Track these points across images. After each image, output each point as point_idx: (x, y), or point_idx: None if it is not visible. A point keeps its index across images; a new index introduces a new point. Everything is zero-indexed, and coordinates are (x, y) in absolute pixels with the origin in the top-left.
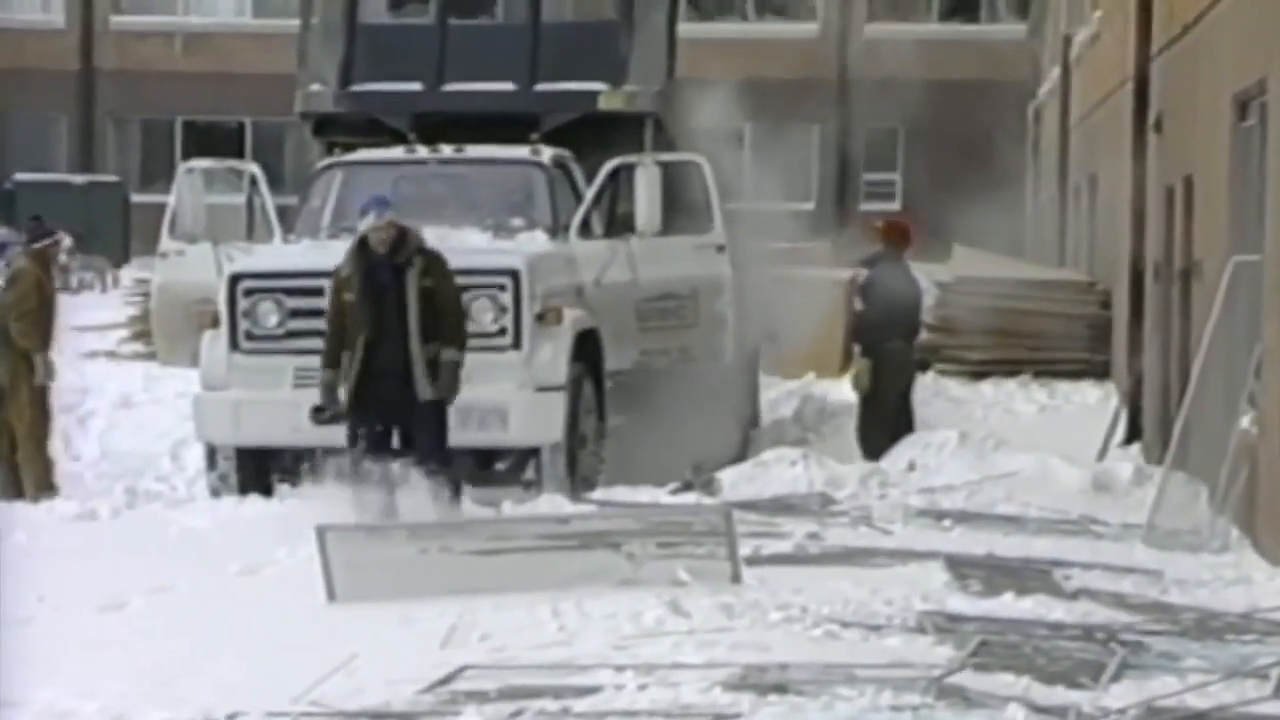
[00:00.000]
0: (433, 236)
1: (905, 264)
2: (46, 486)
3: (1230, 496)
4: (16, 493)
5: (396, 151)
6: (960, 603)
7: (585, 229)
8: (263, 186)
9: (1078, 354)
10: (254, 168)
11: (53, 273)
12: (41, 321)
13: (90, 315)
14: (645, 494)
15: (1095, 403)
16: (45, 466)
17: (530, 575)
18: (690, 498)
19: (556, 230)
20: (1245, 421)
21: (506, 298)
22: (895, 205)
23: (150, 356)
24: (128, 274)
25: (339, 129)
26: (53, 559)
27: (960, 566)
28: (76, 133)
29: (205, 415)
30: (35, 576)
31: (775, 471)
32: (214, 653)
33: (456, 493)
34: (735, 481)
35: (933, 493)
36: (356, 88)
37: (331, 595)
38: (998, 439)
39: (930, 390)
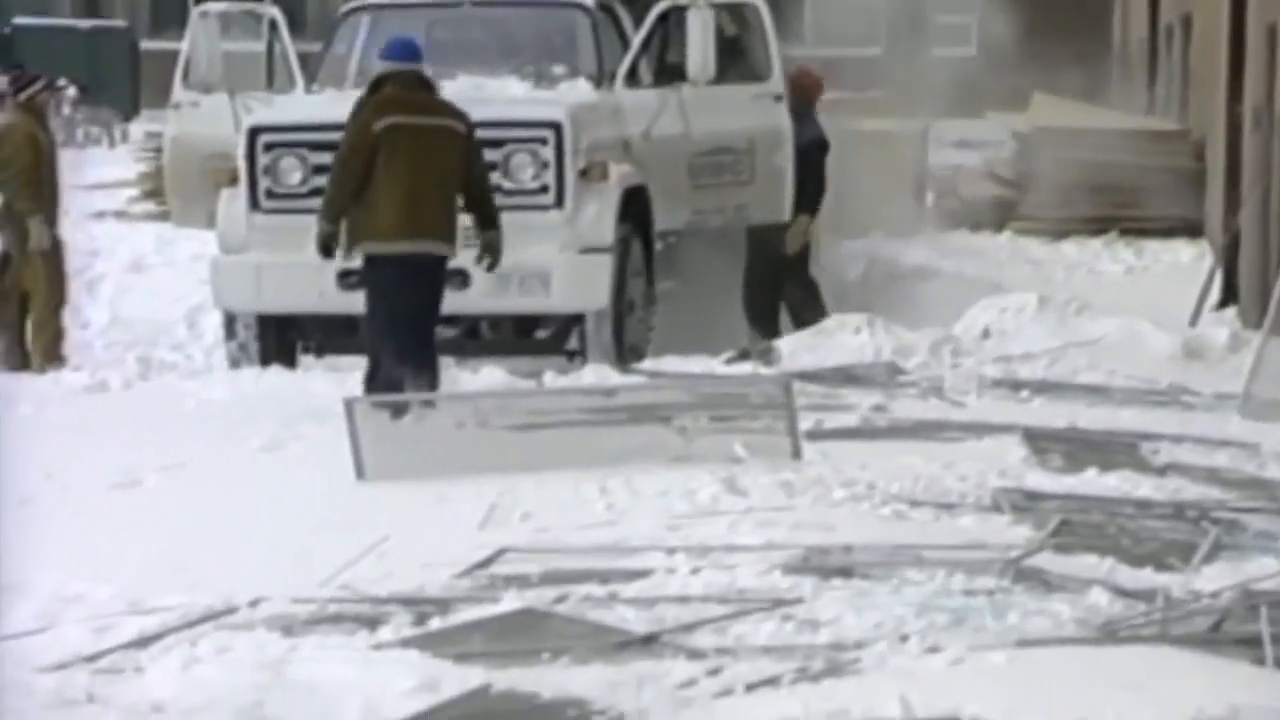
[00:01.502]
0: (468, 85)
1: (817, 119)
2: (55, 357)
3: None
4: (21, 363)
5: None
6: (1039, 479)
7: (632, 77)
8: (283, 31)
9: (1168, 210)
10: (274, 11)
11: (49, 124)
12: (35, 181)
13: (98, 172)
14: (698, 364)
15: (1188, 262)
16: (56, 335)
17: (574, 451)
18: (746, 368)
19: (601, 79)
20: None
21: (547, 152)
22: (970, 50)
23: (163, 216)
24: (138, 128)
25: None
26: (61, 434)
27: (1039, 440)
28: None
29: (223, 280)
30: (42, 452)
31: (838, 339)
32: (235, 534)
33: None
34: (795, 350)
35: (1009, 361)
36: None
37: (360, 473)
38: (1080, 303)
39: (1007, 251)
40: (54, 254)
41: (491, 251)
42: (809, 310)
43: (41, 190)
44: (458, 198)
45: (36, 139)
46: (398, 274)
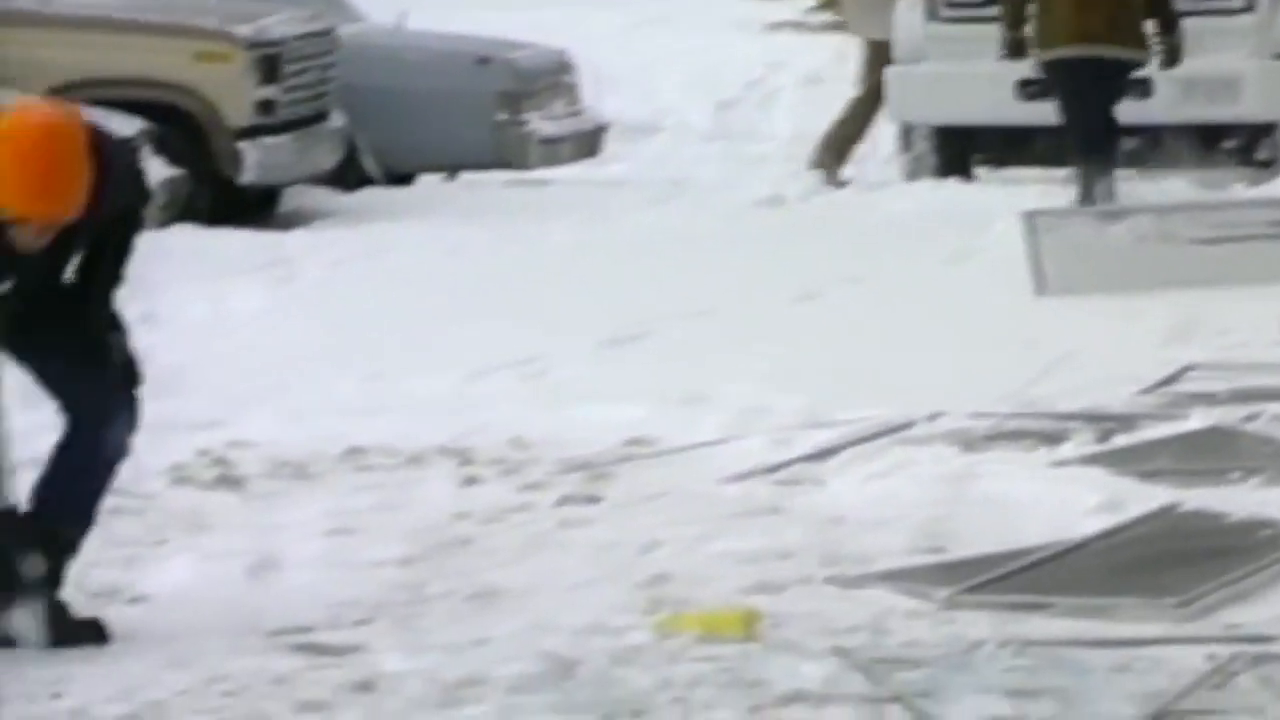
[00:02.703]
0: None
1: None
2: (839, 162)
3: None
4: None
5: None
6: None
7: None
8: None
9: None
10: None
11: None
12: None
13: None
14: None
15: None
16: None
17: (1263, 266)
18: None
19: None
20: None
21: None
22: None
23: (839, 27)
24: None
25: None
26: (737, 246)
27: None
28: None
29: (900, 91)
30: (718, 265)
31: None
32: (913, 347)
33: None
34: None
35: None
36: None
37: (1040, 287)
38: None
39: None
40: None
41: (1171, 57)
42: None
43: None
44: (1137, 3)
45: None
46: (1073, 79)
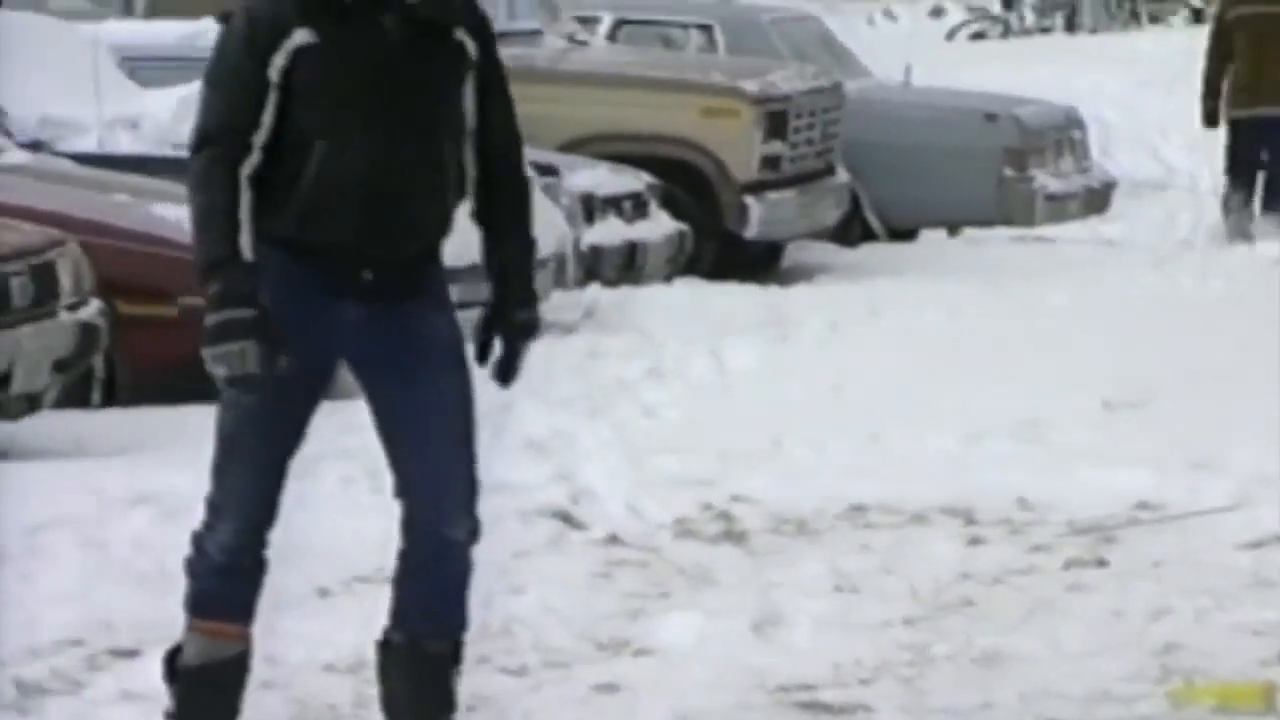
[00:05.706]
0: None
1: None
2: None
3: None
4: None
5: None
6: None
7: None
8: None
9: None
10: None
11: None
12: None
13: None
14: None
15: None
16: None
17: None
18: None
19: None
20: None
21: None
22: None
23: None
24: None
25: None
26: (1245, 308)
27: None
28: None
29: None
30: (1225, 327)
31: None
32: None
33: None
34: None
35: None
36: None
37: None
38: None
39: None
40: None
41: None
42: None
43: None
44: None
45: None
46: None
